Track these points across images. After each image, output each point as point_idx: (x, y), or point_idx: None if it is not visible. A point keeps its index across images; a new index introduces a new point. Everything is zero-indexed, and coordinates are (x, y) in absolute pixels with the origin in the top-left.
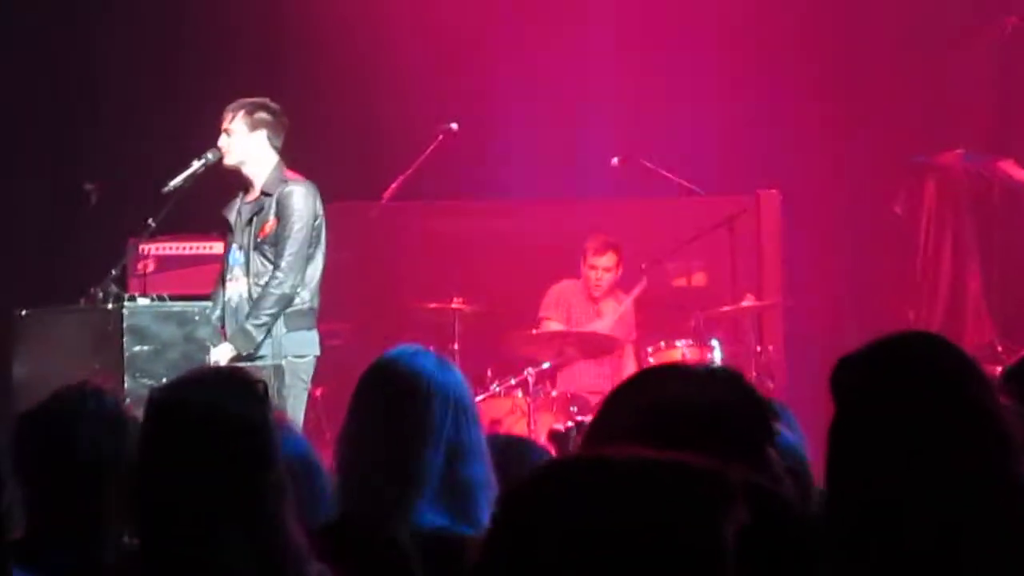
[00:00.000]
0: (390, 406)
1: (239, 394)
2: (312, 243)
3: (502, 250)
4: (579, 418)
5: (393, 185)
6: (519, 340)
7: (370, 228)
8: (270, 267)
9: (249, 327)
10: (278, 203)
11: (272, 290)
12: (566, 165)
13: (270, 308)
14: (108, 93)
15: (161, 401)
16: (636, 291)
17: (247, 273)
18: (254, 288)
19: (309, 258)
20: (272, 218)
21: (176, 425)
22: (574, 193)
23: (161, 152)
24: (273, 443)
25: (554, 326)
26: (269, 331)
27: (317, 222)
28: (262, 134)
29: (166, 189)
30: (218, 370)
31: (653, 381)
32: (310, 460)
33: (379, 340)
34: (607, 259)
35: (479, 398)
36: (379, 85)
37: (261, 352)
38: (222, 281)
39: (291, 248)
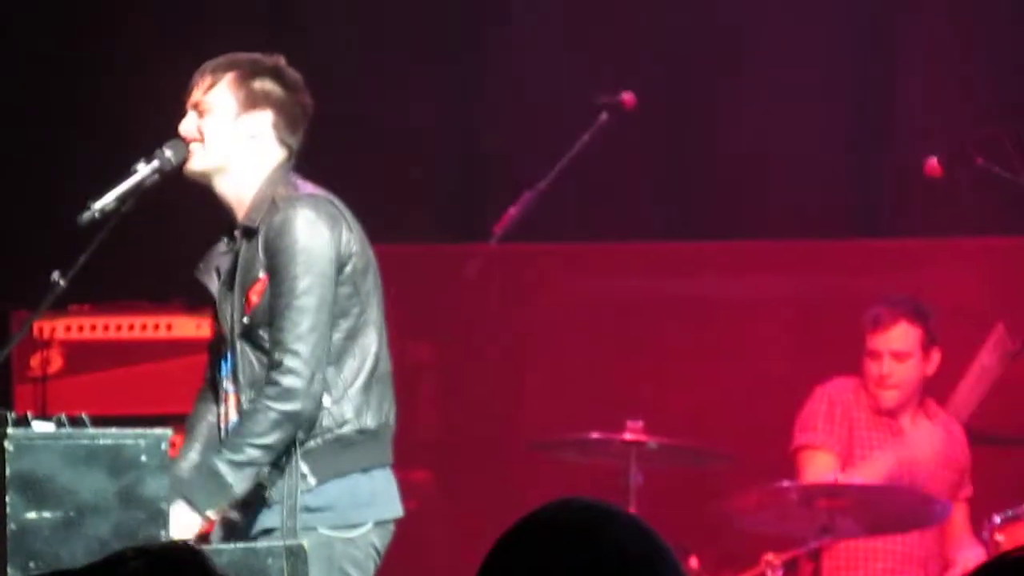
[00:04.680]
0: None
1: None
2: (348, 310)
3: (717, 331)
4: None
5: (511, 210)
6: (750, 502)
7: (468, 293)
8: None
9: (219, 465)
10: (267, 244)
11: (268, 403)
12: (837, 177)
13: (261, 437)
14: None
15: None
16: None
17: (235, 382)
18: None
19: (347, 337)
20: (261, 273)
21: None
22: (854, 227)
23: (74, 153)
24: None
25: (827, 461)
26: (267, 480)
27: (349, 268)
28: (264, 117)
29: (85, 218)
30: (146, 552)
31: None
32: None
33: (488, 502)
34: (898, 334)
35: None
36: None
37: (267, 521)
38: (208, 400)
39: (298, 325)
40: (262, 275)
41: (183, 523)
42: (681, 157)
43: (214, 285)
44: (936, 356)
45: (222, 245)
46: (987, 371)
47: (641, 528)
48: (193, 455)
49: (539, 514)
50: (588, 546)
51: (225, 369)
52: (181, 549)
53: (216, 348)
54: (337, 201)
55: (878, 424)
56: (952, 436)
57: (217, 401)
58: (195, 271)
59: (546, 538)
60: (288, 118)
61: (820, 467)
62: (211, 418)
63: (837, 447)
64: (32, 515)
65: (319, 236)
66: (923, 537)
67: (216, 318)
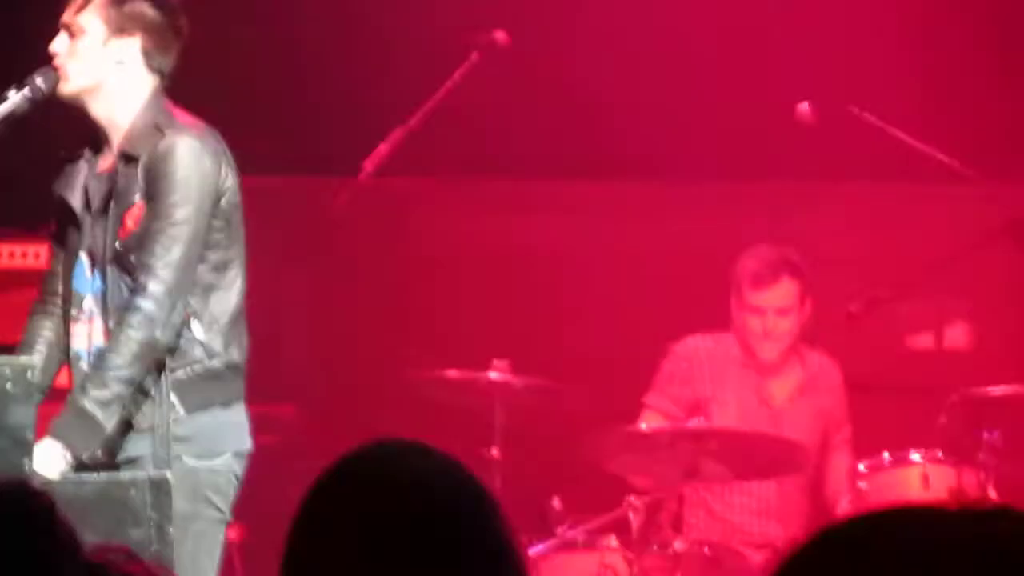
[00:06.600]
0: (358, 553)
1: (8, 532)
2: (220, 243)
3: (586, 272)
4: None
5: (382, 146)
6: (614, 443)
7: (335, 227)
8: None
9: (88, 405)
10: (148, 170)
11: (130, 332)
12: (706, 117)
13: (126, 367)
14: None
15: None
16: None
17: (104, 307)
18: None
19: (216, 269)
20: (138, 198)
21: None
22: (723, 168)
23: None
24: None
25: (654, 422)
26: (134, 409)
27: (224, 202)
28: (134, 43)
29: None
30: None
31: (870, 545)
32: None
33: (347, 439)
34: (782, 292)
35: (536, 549)
36: None
37: (131, 450)
38: (55, 321)
39: (169, 252)
40: (140, 200)
41: (52, 460)
42: (553, 97)
43: (76, 202)
44: (809, 305)
45: (84, 164)
46: None
47: (462, 473)
48: (42, 379)
49: (359, 461)
50: (417, 497)
51: (89, 290)
52: (27, 493)
53: (66, 266)
54: (216, 134)
55: (743, 385)
56: (820, 381)
57: (65, 319)
58: (56, 186)
59: (372, 488)
60: (160, 43)
61: (656, 424)
62: (48, 334)
63: (672, 409)
64: None
65: (202, 167)
66: (796, 494)
67: (68, 236)
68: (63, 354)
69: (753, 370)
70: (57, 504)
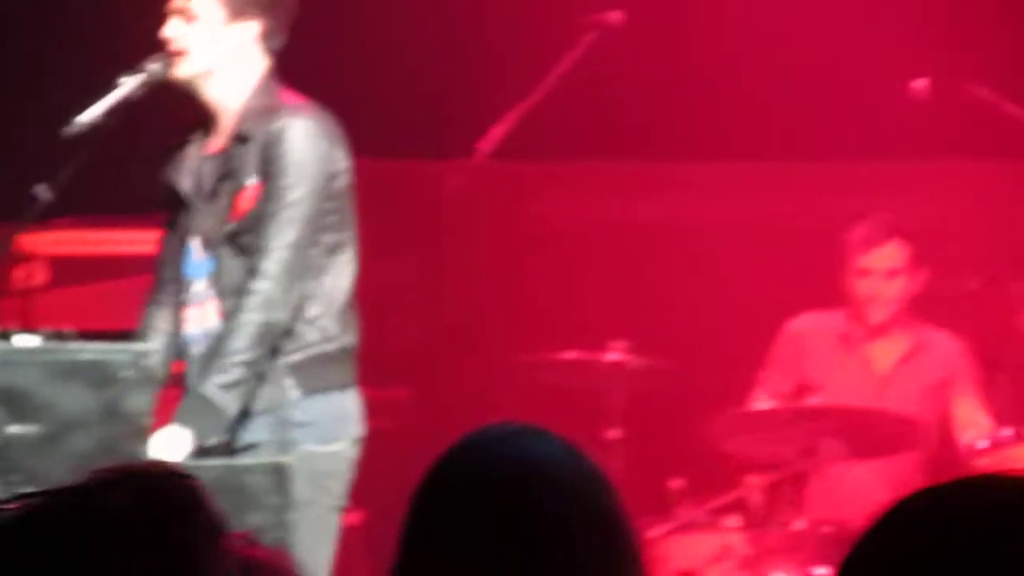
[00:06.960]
0: (479, 538)
1: (153, 518)
2: (332, 225)
3: (700, 252)
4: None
5: (496, 128)
6: (732, 423)
7: (448, 211)
8: None
9: (211, 391)
10: (262, 151)
11: (248, 316)
12: (818, 96)
13: (244, 353)
14: None
15: (11, 538)
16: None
17: (217, 289)
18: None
19: (329, 252)
20: (253, 180)
21: None
22: (835, 147)
23: (62, 61)
24: None
25: (763, 404)
26: (252, 393)
27: (337, 184)
28: (252, 26)
29: (71, 131)
30: (133, 478)
31: (958, 507)
32: None
33: (463, 423)
34: (891, 252)
35: (656, 532)
36: None
37: (249, 436)
38: (168, 309)
39: (283, 235)
40: (254, 181)
41: (174, 446)
42: (664, 77)
43: (186, 186)
44: (923, 275)
45: (193, 147)
46: None
47: (577, 455)
48: (156, 362)
49: (474, 446)
50: (532, 479)
51: (201, 273)
52: (172, 477)
53: (176, 251)
54: (329, 115)
55: (841, 358)
56: (930, 352)
57: (172, 307)
58: (166, 171)
59: (487, 471)
60: (276, 25)
61: (762, 404)
62: (162, 323)
63: (782, 386)
64: (14, 429)
65: (316, 148)
66: (902, 466)
67: (178, 221)
68: (178, 341)
69: (855, 341)
70: (202, 488)
